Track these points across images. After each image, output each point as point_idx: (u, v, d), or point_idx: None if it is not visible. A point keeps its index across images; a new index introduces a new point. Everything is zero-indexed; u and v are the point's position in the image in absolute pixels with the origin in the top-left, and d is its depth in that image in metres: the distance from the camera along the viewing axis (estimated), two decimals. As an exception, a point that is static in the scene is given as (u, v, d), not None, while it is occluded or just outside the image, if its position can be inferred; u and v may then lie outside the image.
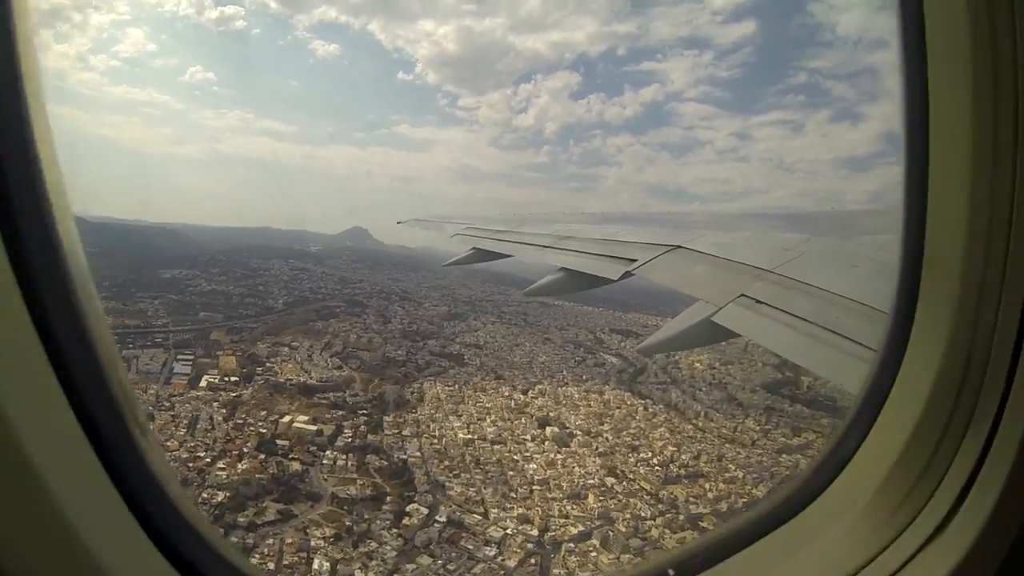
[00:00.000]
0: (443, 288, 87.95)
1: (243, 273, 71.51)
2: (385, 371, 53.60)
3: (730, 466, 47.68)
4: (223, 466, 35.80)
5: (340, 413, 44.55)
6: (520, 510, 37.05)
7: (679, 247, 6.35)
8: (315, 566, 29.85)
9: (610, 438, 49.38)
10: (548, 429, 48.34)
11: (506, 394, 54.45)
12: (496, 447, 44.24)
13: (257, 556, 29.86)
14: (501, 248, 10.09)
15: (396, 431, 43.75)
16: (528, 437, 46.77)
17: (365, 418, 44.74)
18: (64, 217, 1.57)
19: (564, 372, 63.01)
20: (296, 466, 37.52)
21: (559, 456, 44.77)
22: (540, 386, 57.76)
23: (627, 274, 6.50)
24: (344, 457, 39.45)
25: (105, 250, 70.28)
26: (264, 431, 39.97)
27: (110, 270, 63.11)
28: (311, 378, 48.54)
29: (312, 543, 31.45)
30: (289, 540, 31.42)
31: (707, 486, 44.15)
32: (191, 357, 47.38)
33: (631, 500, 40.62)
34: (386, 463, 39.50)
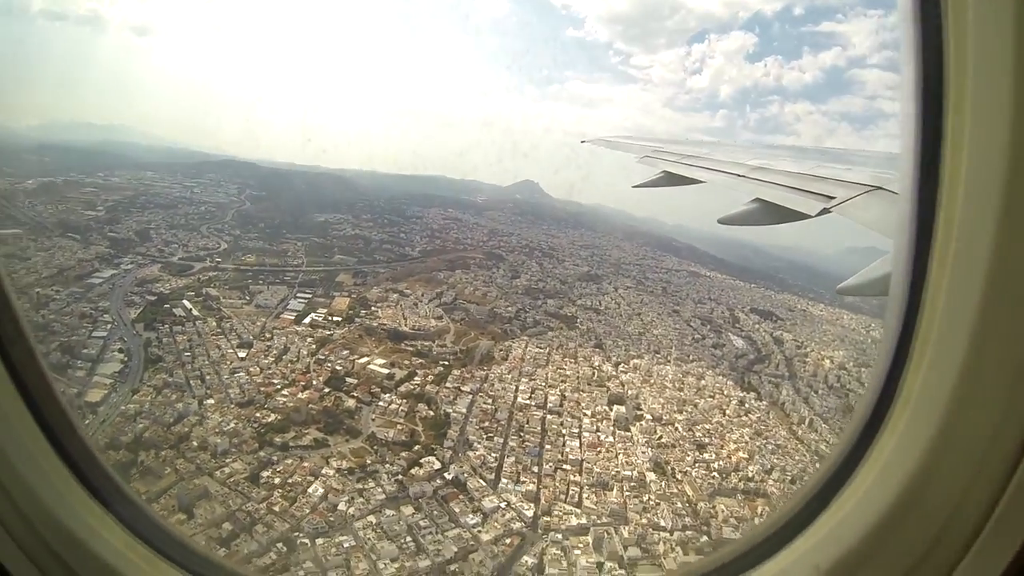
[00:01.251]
0: (595, 248, 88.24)
1: (393, 220, 79.16)
2: (487, 326, 56.83)
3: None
4: (286, 393, 42.23)
5: (420, 361, 48.80)
6: (531, 486, 37.86)
7: (880, 188, 6.08)
8: (310, 488, 34.73)
9: (680, 429, 47.23)
10: (616, 408, 47.74)
11: (596, 364, 54.42)
12: (549, 417, 45.08)
13: (270, 470, 35.67)
14: (692, 174, 9.99)
15: (457, 385, 46.56)
16: (589, 412, 46.76)
17: (442, 369, 48.61)
18: None
19: (673, 349, 60.85)
20: (351, 403, 42.72)
21: (610, 439, 44.24)
22: (636, 360, 56.64)
23: (824, 211, 6.41)
24: (401, 402, 43.73)
25: (271, 194, 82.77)
26: (339, 368, 45.75)
27: (268, 213, 74.84)
28: (405, 325, 53.46)
29: (323, 470, 36.28)
30: (306, 464, 36.58)
31: (761, 509, 40.18)
32: (309, 296, 55.10)
33: (661, 504, 38.69)
34: (432, 414, 42.92)
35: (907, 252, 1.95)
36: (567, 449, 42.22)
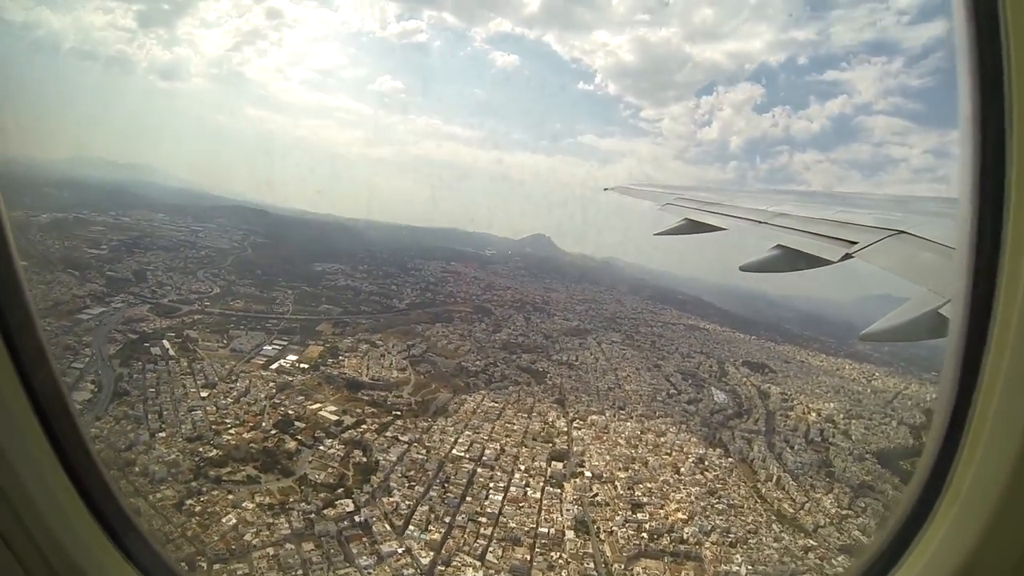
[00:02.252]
0: (593, 302, 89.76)
1: (390, 272, 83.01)
2: (451, 379, 59.31)
3: (744, 557, 42.67)
4: (234, 432, 45.99)
5: (372, 410, 51.58)
6: (436, 536, 39.45)
7: (902, 232, 6.13)
8: (224, 519, 37.74)
9: (619, 488, 47.81)
10: (555, 464, 49.01)
11: (550, 420, 55.81)
12: (480, 470, 46.76)
13: (195, 498, 39.08)
14: (713, 220, 10.12)
15: (396, 435, 49.09)
16: (523, 468, 48.10)
17: (392, 419, 51.34)
18: None
19: (640, 405, 61.53)
20: (293, 445, 46.02)
21: (538, 494, 45.40)
22: (595, 417, 57.66)
23: (847, 256, 6.39)
24: (340, 447, 46.58)
25: (275, 241, 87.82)
26: (291, 412, 49.24)
27: (267, 260, 79.38)
28: (366, 375, 56.55)
29: (244, 503, 39.31)
30: (231, 496, 39.76)
31: (686, 573, 40.28)
32: (285, 343, 59.10)
33: (571, 563, 39.41)
34: (365, 460, 45.62)
35: (961, 337, 1.96)
36: (487, 502, 43.54)
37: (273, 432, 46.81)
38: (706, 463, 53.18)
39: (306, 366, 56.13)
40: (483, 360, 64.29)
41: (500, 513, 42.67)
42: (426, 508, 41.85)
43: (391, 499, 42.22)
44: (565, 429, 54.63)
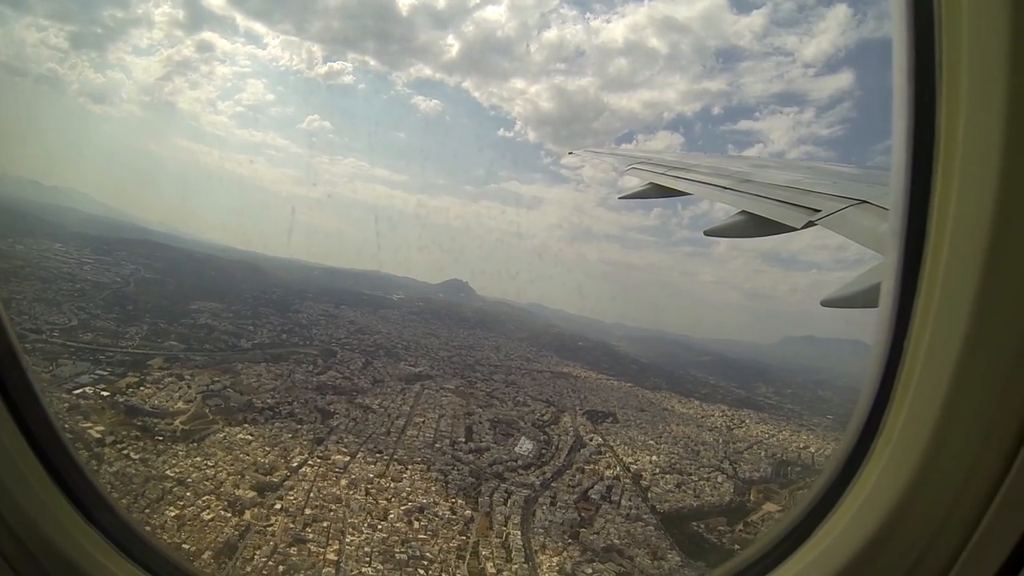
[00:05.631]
0: (467, 348, 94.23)
1: (263, 312, 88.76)
2: (233, 413, 67.83)
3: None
4: (-2, 441, 57.92)
5: (136, 433, 61.03)
6: None
7: (865, 202, 6.10)
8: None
9: (296, 522, 53.70)
10: (250, 493, 56.09)
11: (292, 455, 62.67)
12: (177, 488, 54.94)
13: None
14: (679, 185, 10.32)
15: (129, 452, 58.17)
16: (220, 492, 55.52)
17: (148, 442, 60.75)
18: None
19: (405, 451, 66.02)
20: (44, 454, 57.47)
21: (210, 515, 52.77)
22: (340, 457, 63.45)
23: (809, 223, 6.43)
24: (84, 455, 57.64)
25: (165, 277, 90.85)
26: (64, 428, 60.79)
27: (146, 296, 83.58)
28: (149, 404, 66.10)
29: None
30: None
31: None
32: (105, 373, 68.22)
33: None
34: (96, 469, 56.25)
35: (893, 297, 2.17)
36: (159, 516, 51.10)
37: (36, 441, 58.37)
38: (427, 512, 56.90)
39: (107, 394, 65.16)
40: (278, 398, 71.36)
41: (162, 526, 50.74)
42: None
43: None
44: (296, 464, 61.07)
